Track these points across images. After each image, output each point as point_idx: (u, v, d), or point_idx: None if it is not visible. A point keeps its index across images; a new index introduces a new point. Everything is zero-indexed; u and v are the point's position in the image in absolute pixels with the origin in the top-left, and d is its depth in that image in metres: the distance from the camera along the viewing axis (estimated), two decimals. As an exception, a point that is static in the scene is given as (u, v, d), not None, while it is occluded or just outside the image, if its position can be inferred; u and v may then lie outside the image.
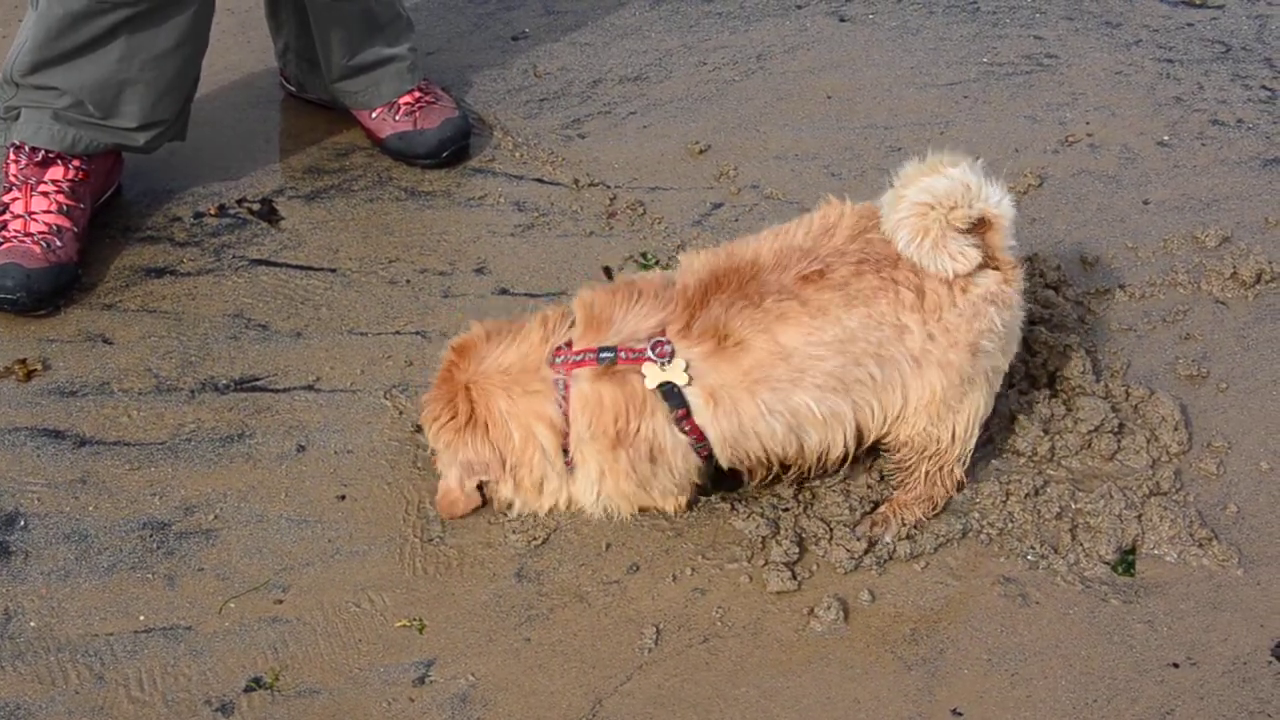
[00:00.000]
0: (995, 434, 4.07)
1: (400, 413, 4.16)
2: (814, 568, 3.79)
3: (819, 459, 3.74)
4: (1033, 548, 3.83)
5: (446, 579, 3.75)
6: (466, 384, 3.73)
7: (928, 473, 3.79)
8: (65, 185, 4.51)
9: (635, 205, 4.90)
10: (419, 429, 4.10)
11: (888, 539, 3.81)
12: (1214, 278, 4.63)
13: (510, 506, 3.88)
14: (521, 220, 4.84)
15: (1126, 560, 3.81)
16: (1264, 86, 5.50)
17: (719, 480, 3.93)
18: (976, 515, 3.90)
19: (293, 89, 5.28)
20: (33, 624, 3.60)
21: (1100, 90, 5.49)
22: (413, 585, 3.73)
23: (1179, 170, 5.12)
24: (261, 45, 5.41)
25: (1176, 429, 4.09)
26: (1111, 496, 3.89)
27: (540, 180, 5.02)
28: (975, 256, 3.56)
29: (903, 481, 3.85)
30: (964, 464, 3.84)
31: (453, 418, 3.74)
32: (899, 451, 3.78)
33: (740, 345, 3.58)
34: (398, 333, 4.42)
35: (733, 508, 3.91)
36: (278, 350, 4.35)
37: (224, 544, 3.81)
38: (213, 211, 4.83)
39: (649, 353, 3.59)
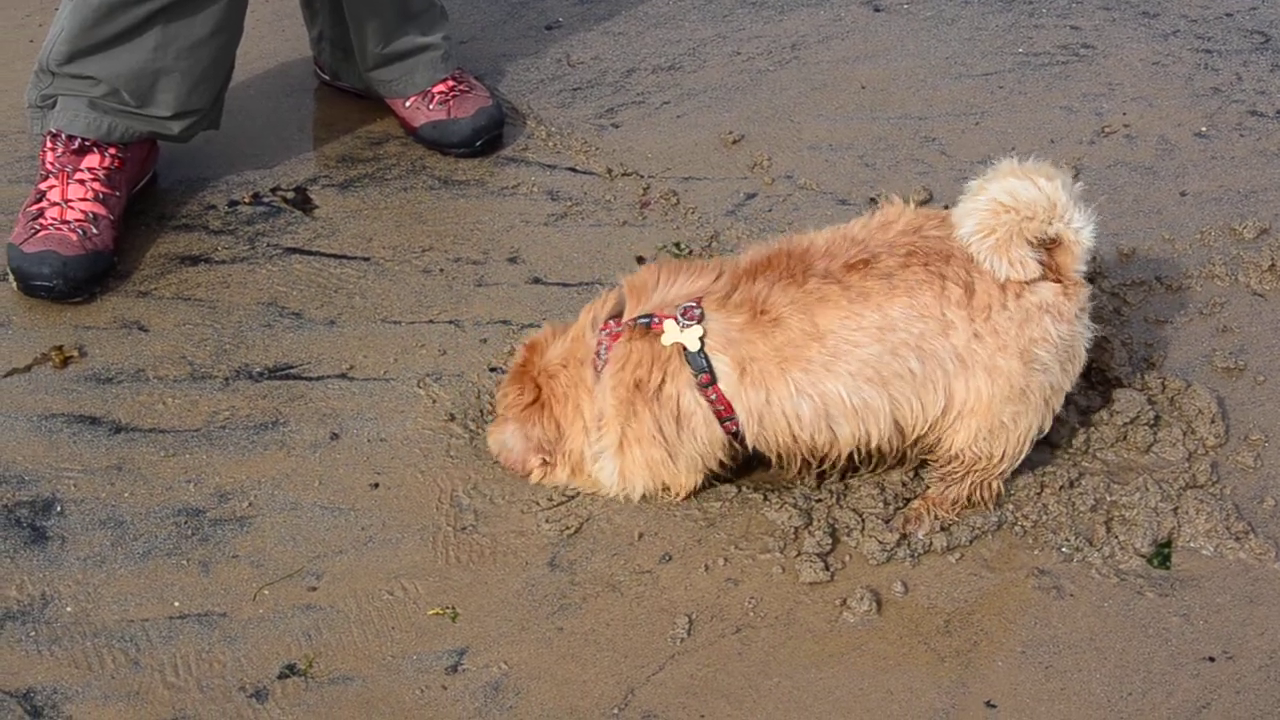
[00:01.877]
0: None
1: (433, 401, 4.16)
2: (846, 559, 3.78)
3: (855, 453, 3.72)
4: (1068, 540, 3.81)
5: (479, 567, 3.75)
6: (535, 375, 3.85)
7: (971, 483, 3.77)
8: (101, 173, 4.52)
9: (669, 195, 4.90)
10: (452, 418, 4.11)
11: (920, 535, 3.80)
12: (1251, 270, 4.60)
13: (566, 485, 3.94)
14: (555, 209, 4.84)
15: (1162, 553, 3.79)
16: (1303, 77, 5.46)
17: (751, 466, 3.92)
18: (1011, 507, 3.88)
19: (327, 78, 5.29)
20: (69, 609, 3.62)
21: (1137, 81, 5.46)
22: (446, 574, 3.73)
23: (1217, 161, 5.08)
24: (296, 34, 5.43)
25: (1213, 422, 4.06)
26: (1147, 489, 3.86)
27: (573, 169, 5.01)
28: (1034, 270, 3.52)
29: (941, 482, 3.82)
30: (1005, 478, 3.82)
31: (520, 395, 3.85)
32: (948, 464, 3.75)
33: (775, 321, 3.59)
34: (431, 321, 4.42)
35: (765, 498, 3.90)
36: (311, 338, 4.36)
37: (258, 531, 3.82)
38: (247, 200, 4.84)
39: (677, 315, 3.63)
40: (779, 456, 3.78)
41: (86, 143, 4.51)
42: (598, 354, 3.76)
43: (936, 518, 3.82)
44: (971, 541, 3.81)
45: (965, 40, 5.66)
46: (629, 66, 5.49)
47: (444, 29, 5.05)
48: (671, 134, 5.19)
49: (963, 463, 3.72)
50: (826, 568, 3.73)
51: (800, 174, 5.01)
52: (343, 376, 4.24)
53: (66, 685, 3.46)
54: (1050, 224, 3.50)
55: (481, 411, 4.13)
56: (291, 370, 4.26)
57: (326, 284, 4.54)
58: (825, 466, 3.81)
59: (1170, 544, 3.81)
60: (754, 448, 3.77)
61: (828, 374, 3.58)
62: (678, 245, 4.69)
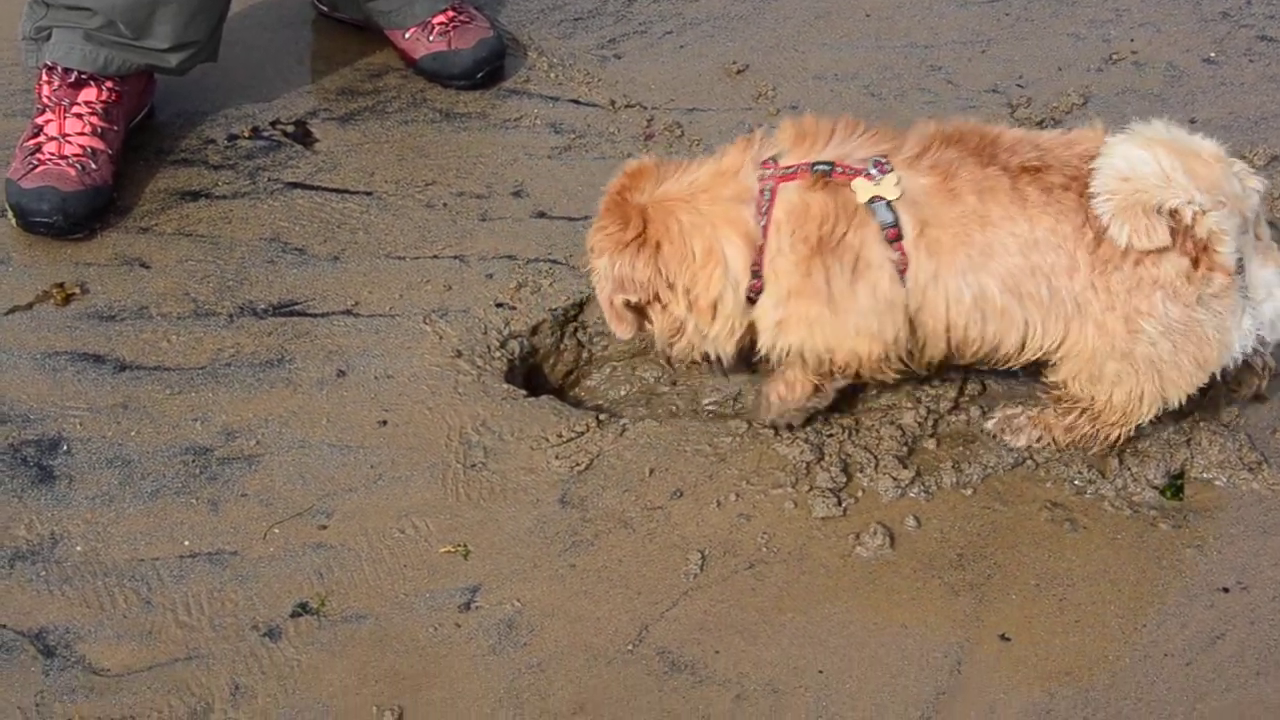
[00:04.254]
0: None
1: (440, 338, 4.12)
2: (859, 494, 3.76)
3: (982, 354, 3.62)
4: (1080, 473, 3.79)
5: (490, 505, 3.73)
6: (643, 206, 3.62)
7: (1079, 418, 3.73)
8: (99, 107, 4.46)
9: (673, 126, 4.84)
10: (459, 354, 4.07)
11: (1017, 444, 3.79)
12: (1263, 198, 4.54)
13: (678, 332, 3.72)
14: (558, 142, 4.79)
15: (1175, 485, 3.78)
16: (1312, 2, 5.40)
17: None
18: (992, 435, 3.86)
19: (324, 9, 5.21)
20: (79, 548, 3.60)
21: (1144, 6, 5.39)
22: (456, 511, 3.71)
23: (1226, 88, 5.03)
24: (292, -36, 5.34)
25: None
26: (1159, 421, 3.84)
27: (576, 101, 4.95)
28: (1161, 239, 3.39)
29: (1053, 407, 3.77)
30: (1128, 431, 3.73)
31: (621, 230, 3.61)
32: (1056, 389, 3.70)
33: (955, 194, 3.51)
34: (435, 257, 4.38)
35: (776, 433, 3.88)
36: (315, 275, 4.31)
37: (266, 469, 3.79)
38: (246, 134, 4.78)
39: (870, 169, 3.52)
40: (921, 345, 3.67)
41: (83, 75, 4.45)
42: (762, 194, 3.57)
43: (1039, 437, 3.78)
44: (984, 477, 3.79)
45: (970, -34, 5.59)
46: (630, -5, 5.42)
47: (443, -42, 4.98)
48: (675, 64, 5.12)
49: (1068, 393, 3.67)
50: (839, 503, 3.72)
51: (805, 104, 4.94)
52: (348, 313, 4.21)
53: (79, 625, 3.45)
54: (1165, 200, 3.37)
55: (488, 348, 4.10)
56: (296, 307, 4.22)
57: (329, 219, 4.49)
58: (946, 360, 3.72)
59: (1183, 475, 3.80)
60: None
61: (984, 268, 3.51)
62: (683, 177, 4.64)
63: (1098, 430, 3.72)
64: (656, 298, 3.67)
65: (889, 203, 3.51)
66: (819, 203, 3.54)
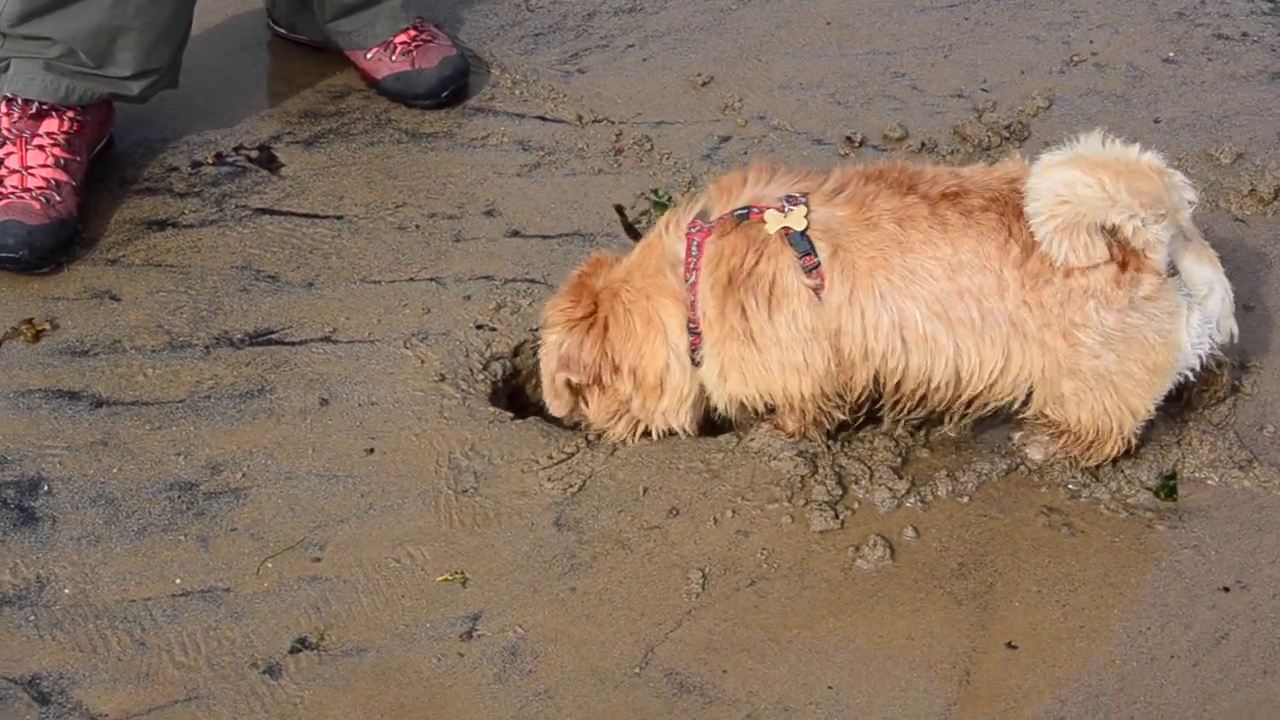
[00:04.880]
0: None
1: (422, 362, 4.07)
2: (855, 506, 3.74)
3: (916, 391, 3.61)
4: (1074, 477, 3.79)
5: (485, 530, 3.68)
6: (596, 290, 3.71)
7: (1069, 443, 3.74)
8: (61, 138, 4.38)
9: (642, 141, 4.81)
10: (443, 378, 4.02)
11: (1035, 458, 3.80)
12: (1232, 195, 4.59)
13: (617, 415, 3.81)
14: (527, 160, 4.75)
15: (1169, 485, 3.79)
16: (1265, -1, 5.46)
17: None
18: (1015, 447, 3.86)
19: (282, 30, 5.14)
20: (67, 591, 3.51)
21: (1101, 8, 5.42)
22: (451, 538, 3.66)
23: (1188, 87, 5.07)
24: (245, -14, 5.26)
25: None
26: (1150, 422, 3.85)
27: (542, 118, 4.92)
28: (1099, 255, 3.42)
29: (1048, 431, 3.77)
30: (1116, 444, 3.70)
31: (573, 306, 3.69)
32: (1039, 419, 3.70)
33: (871, 223, 3.52)
34: (412, 280, 4.32)
35: (768, 447, 3.85)
36: (290, 302, 4.25)
37: (254, 503, 3.73)
38: (210, 160, 4.70)
39: (781, 203, 3.55)
40: (862, 379, 3.65)
41: (44, 106, 4.36)
42: (689, 251, 3.60)
43: (1053, 454, 3.78)
44: (979, 485, 3.78)
45: (927, -28, 5.60)
46: (589, 9, 5.38)
47: (402, -23, 4.92)
48: (639, 78, 5.09)
49: (1049, 423, 3.69)
50: (836, 516, 3.70)
51: (773, 114, 4.94)
52: (327, 340, 4.14)
53: (72, 669, 3.37)
54: (1108, 219, 3.38)
55: (471, 370, 4.05)
56: (273, 335, 4.15)
57: (301, 245, 4.42)
58: (874, 405, 3.71)
59: (1175, 476, 3.81)
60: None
61: (906, 293, 3.50)
62: (655, 192, 4.62)
63: (1089, 450, 3.72)
64: (598, 380, 3.74)
65: (803, 231, 3.53)
66: (731, 243, 3.58)
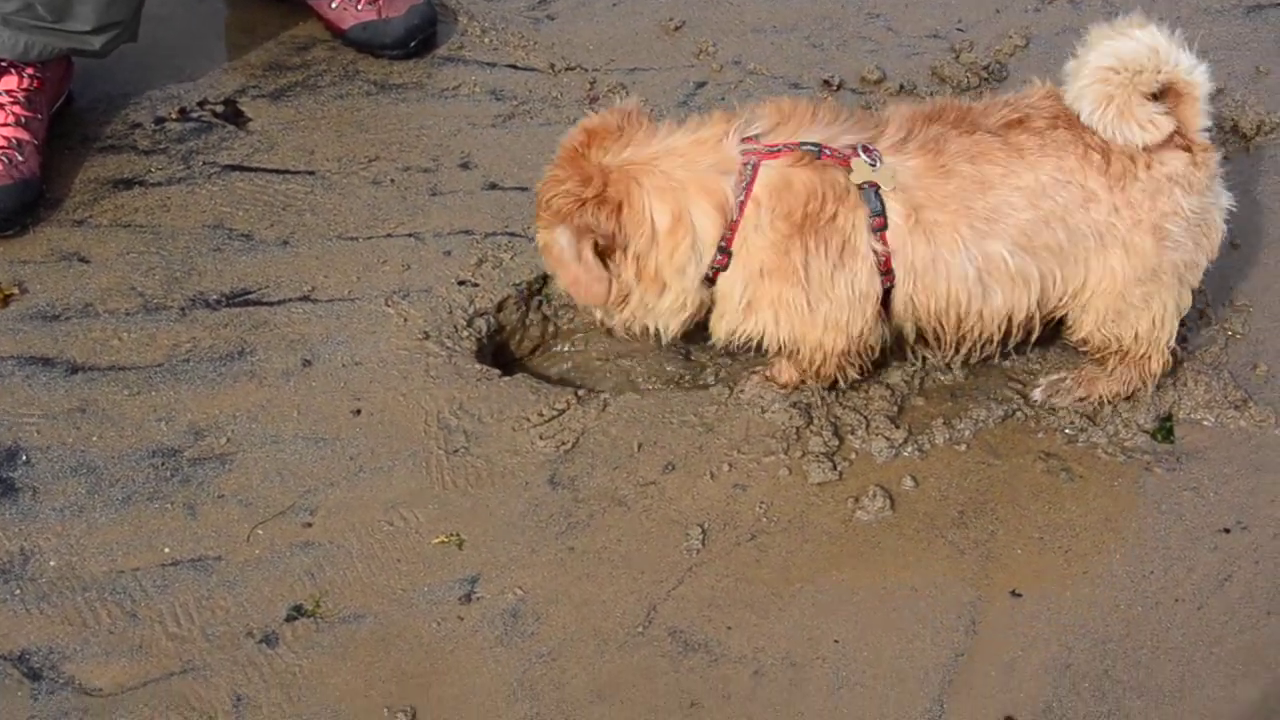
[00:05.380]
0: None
1: (405, 320, 3.98)
2: (852, 457, 3.70)
3: (996, 328, 3.55)
4: (1071, 422, 3.77)
5: (478, 491, 3.61)
6: (603, 167, 3.41)
7: (1119, 370, 3.71)
8: (20, 95, 4.24)
9: (617, 88, 4.72)
10: (427, 335, 3.94)
11: (1062, 403, 3.76)
12: (1214, 131, 4.54)
13: (624, 301, 3.53)
14: (501, 110, 4.65)
15: (1165, 427, 3.77)
16: (1236, -67, 5.41)
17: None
18: (1010, 393, 3.83)
19: (242, -20, 5.00)
20: (52, 563, 3.42)
21: (1073, -55, 5.36)
22: (444, 499, 3.59)
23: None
24: (202, -65, 5.11)
25: (1200, 290, 4.02)
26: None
27: (514, 66, 4.81)
28: (1167, 125, 3.40)
29: (1093, 364, 3.75)
30: (1164, 354, 3.70)
31: (581, 188, 3.38)
32: (1081, 346, 3.68)
33: (947, 171, 3.43)
34: (389, 235, 4.23)
35: (761, 396, 3.80)
36: (266, 261, 4.14)
37: (241, 468, 3.64)
38: (174, 115, 4.58)
39: (858, 150, 3.42)
40: (916, 330, 3.60)
41: (2, 63, 4.22)
42: (744, 167, 3.41)
43: (1085, 395, 3.76)
44: (976, 432, 3.75)
45: (896, -90, 5.52)
46: (556, -47, 5.27)
47: (366, -78, 4.80)
48: (609, 23, 5.00)
49: (1094, 346, 3.65)
50: (834, 467, 3.66)
51: (748, 59, 4.86)
52: (305, 299, 4.05)
53: (62, 644, 3.28)
54: (1159, 71, 3.37)
55: (455, 328, 3.97)
56: (250, 295, 4.05)
57: (273, 201, 4.32)
58: (950, 348, 3.64)
59: (1171, 418, 3.79)
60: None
61: (990, 234, 3.43)
62: (633, 140, 4.52)
63: (1138, 370, 3.70)
64: (622, 250, 3.46)
65: (878, 191, 3.42)
66: (805, 180, 3.41)
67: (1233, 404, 3.80)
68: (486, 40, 4.90)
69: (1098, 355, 3.69)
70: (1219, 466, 3.69)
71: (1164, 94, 3.43)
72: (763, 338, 3.58)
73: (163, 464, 3.64)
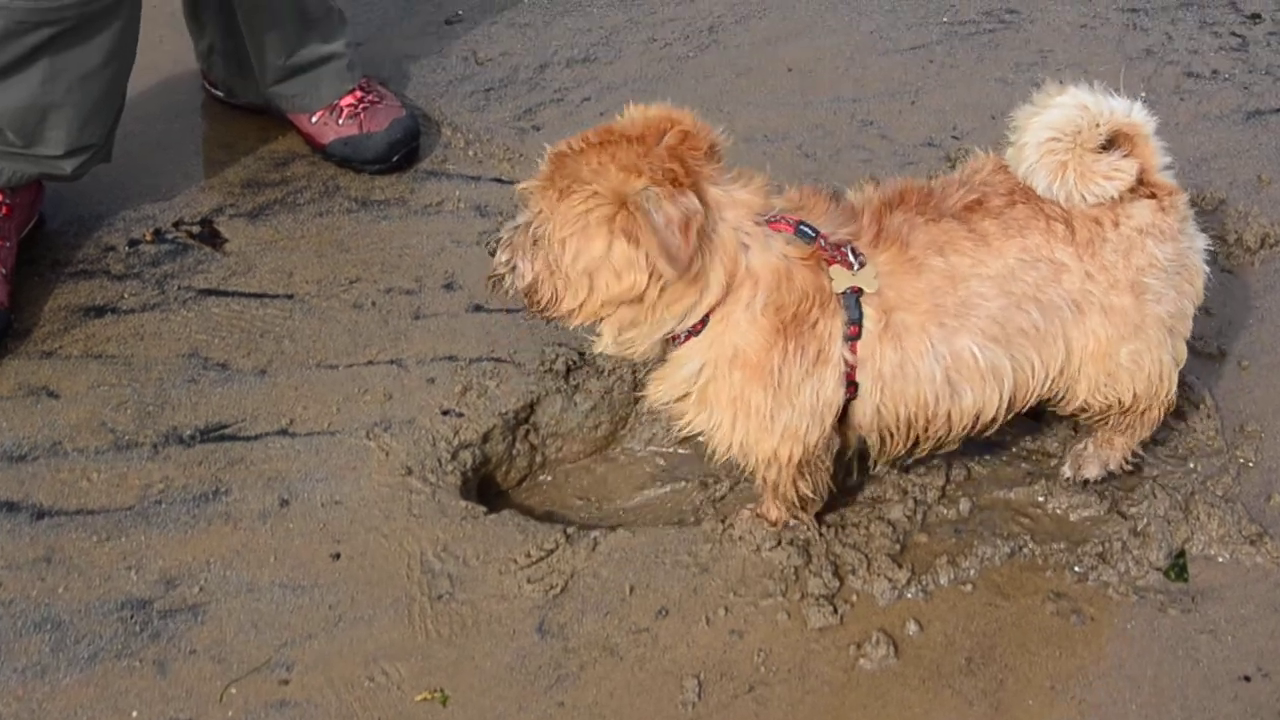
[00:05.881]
0: (1012, 436, 3.86)
1: (386, 454, 3.83)
2: (853, 599, 3.55)
3: (963, 427, 3.40)
4: (1080, 559, 3.62)
5: (463, 640, 3.46)
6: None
7: (1119, 425, 3.60)
8: (-11, 223, 4.11)
9: (604, 202, 4.59)
10: (410, 471, 3.79)
11: (1093, 475, 3.68)
12: (1217, 245, 4.44)
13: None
14: (486, 226, 4.51)
15: (1178, 564, 3.62)
16: (1233, 33, 5.32)
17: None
18: (1016, 528, 3.69)
19: (220, 94, 4.88)
20: (14, 731, 3.26)
21: (1068, 46, 5.28)
22: (428, 651, 3.43)
23: (1162, 129, 4.82)
24: (177, 45, 4.98)
25: (1209, 416, 3.90)
26: (1155, 497, 3.69)
27: (499, 180, 4.69)
28: (1130, 166, 3.29)
29: (1100, 424, 3.63)
30: (1165, 407, 3.59)
31: (655, 171, 3.17)
32: (1082, 414, 3.55)
33: (916, 265, 3.27)
34: (371, 363, 4.09)
35: (755, 534, 3.65)
36: (242, 392, 3.99)
37: (214, 620, 3.48)
38: (148, 238, 4.44)
39: (848, 253, 3.25)
40: (879, 438, 3.43)
41: (-31, 191, 4.09)
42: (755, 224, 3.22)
43: (1107, 461, 3.67)
44: (982, 571, 3.60)
45: (887, 12, 5.42)
46: (541, 61, 5.17)
47: (345, 35, 4.68)
48: (597, 133, 4.87)
49: (1093, 412, 3.52)
50: (835, 610, 3.50)
51: (740, 168, 4.72)
52: (283, 433, 3.90)
53: (23, 822, 3.12)
54: (1098, 126, 3.25)
55: (439, 461, 3.82)
56: (226, 430, 3.90)
57: (250, 328, 4.17)
58: (917, 448, 3.47)
59: (1184, 554, 3.64)
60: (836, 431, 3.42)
61: (961, 328, 3.28)
62: (622, 257, 4.39)
63: (1141, 422, 3.60)
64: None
65: (858, 299, 3.27)
66: (803, 277, 3.23)
67: (1248, 539, 3.65)
68: (471, 153, 4.78)
69: (1099, 419, 3.57)
70: (1236, 607, 3.54)
71: (1114, 143, 3.31)
72: (711, 437, 3.38)
73: (132, 617, 3.47)
